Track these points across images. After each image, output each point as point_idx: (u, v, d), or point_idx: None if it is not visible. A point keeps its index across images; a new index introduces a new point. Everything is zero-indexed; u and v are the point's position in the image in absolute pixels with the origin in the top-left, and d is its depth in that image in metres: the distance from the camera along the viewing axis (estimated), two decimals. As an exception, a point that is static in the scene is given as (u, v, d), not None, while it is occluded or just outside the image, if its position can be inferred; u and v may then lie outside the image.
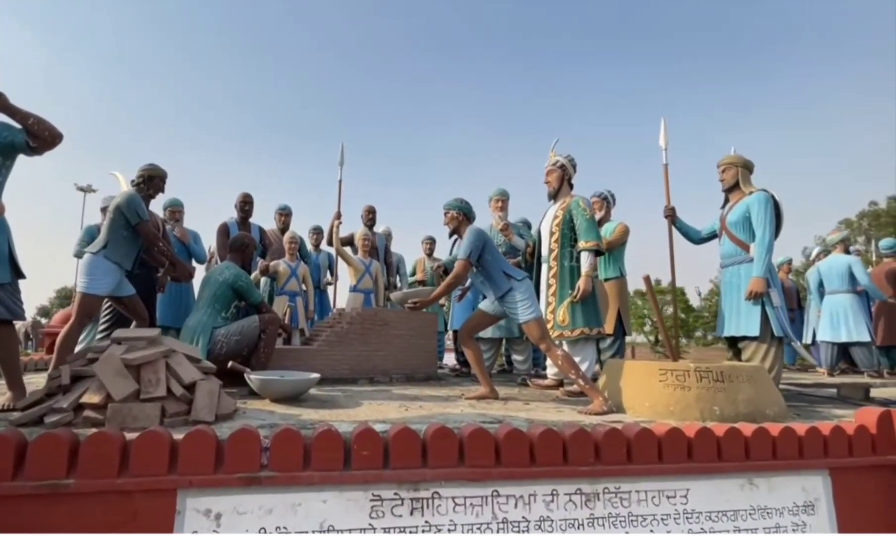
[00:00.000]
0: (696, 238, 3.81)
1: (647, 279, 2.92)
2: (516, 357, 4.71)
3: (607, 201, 4.70)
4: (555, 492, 1.89)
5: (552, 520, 1.86)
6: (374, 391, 3.54)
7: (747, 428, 2.07)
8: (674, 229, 3.81)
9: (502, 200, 4.76)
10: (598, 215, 4.71)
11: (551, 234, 3.81)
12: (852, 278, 6.47)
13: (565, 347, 3.62)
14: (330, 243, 5.86)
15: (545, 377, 4.13)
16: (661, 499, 1.95)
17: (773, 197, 3.30)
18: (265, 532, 1.70)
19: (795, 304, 8.54)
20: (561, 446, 1.91)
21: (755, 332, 3.18)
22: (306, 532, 1.73)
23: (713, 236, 3.73)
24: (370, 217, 6.00)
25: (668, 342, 2.83)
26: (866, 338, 6.32)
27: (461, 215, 3.28)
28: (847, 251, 6.79)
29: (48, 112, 2.44)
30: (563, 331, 3.57)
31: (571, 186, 3.93)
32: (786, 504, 2.06)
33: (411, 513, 1.79)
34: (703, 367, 2.51)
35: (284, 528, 1.71)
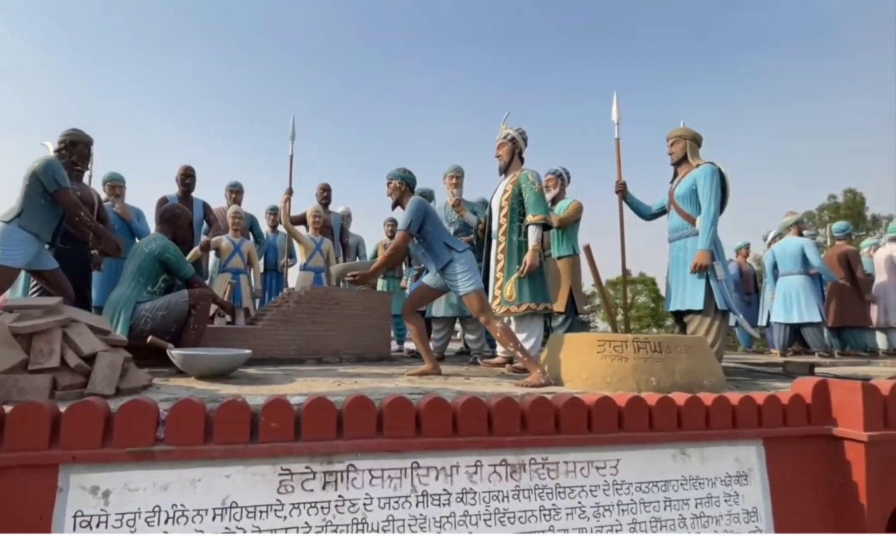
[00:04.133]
0: (646, 214, 3.78)
1: (587, 249, 2.86)
2: (469, 337, 4.63)
3: (561, 178, 4.64)
4: (479, 463, 1.80)
5: (475, 492, 1.78)
6: (317, 371, 3.41)
7: (680, 398, 2.01)
8: (625, 205, 3.77)
9: (456, 176, 4.65)
10: (552, 192, 4.65)
11: (500, 208, 3.72)
12: (805, 260, 6.59)
13: (513, 322, 3.55)
14: (296, 223, 5.67)
15: (496, 355, 4.06)
16: (591, 470, 1.88)
17: (719, 170, 3.27)
18: (160, 510, 1.56)
19: (752, 287, 8.70)
20: (485, 415, 1.82)
21: (699, 305, 3.16)
22: (206, 509, 1.60)
23: (663, 211, 3.70)
24: (325, 195, 5.82)
25: (609, 314, 2.78)
26: (817, 319, 6.45)
27: (403, 185, 3.15)
28: (800, 234, 6.91)
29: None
30: (509, 306, 3.49)
31: (522, 161, 3.84)
32: (718, 474, 2.02)
33: (324, 487, 1.67)
34: (642, 338, 2.46)
35: (181, 506, 1.57)
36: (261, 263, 6.36)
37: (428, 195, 5.45)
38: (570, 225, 4.43)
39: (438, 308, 4.58)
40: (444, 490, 1.76)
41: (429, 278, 3.17)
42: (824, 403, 2.17)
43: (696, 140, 3.43)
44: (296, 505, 1.64)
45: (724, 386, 2.57)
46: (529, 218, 3.49)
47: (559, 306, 4.31)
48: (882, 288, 7.37)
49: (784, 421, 2.11)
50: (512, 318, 3.55)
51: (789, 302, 6.62)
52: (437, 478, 1.76)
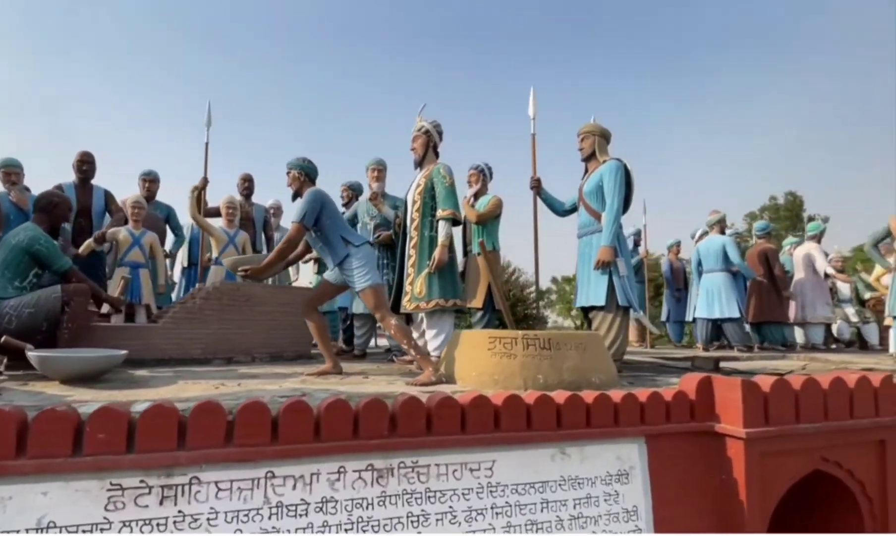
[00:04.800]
0: (560, 210, 3.76)
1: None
2: (357, 331, 4.52)
3: (483, 173, 4.58)
4: (342, 470, 1.68)
5: (337, 501, 1.66)
6: (215, 372, 3.21)
7: (560, 396, 1.96)
8: (540, 201, 3.74)
9: (378, 169, 4.51)
10: (474, 188, 4.59)
11: (413, 203, 3.61)
12: (726, 257, 6.82)
13: (424, 319, 3.46)
14: (213, 215, 5.37)
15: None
16: (464, 472, 1.80)
17: (624, 166, 3.28)
18: (-43, 535, 1.36)
19: (682, 284, 8.97)
20: (351, 418, 1.70)
21: (601, 301, 3.16)
22: (18, 531, 1.41)
23: (575, 208, 3.69)
24: (246, 186, 5.56)
25: (506, 311, 2.72)
26: (736, 315, 6.68)
27: (303, 176, 2.99)
28: (723, 232, 7.14)
29: None
30: (419, 303, 3.40)
31: (437, 155, 3.74)
32: (599, 473, 1.98)
33: (161, 503, 1.51)
34: (531, 335, 2.41)
35: (-15, 529, 1.38)
36: (185, 257, 6.03)
37: (357, 189, 5.29)
38: (489, 221, 4.38)
39: (359, 305, 4.44)
40: (302, 499, 1.63)
41: (329, 274, 3.03)
42: (708, 399, 2.18)
43: (605, 136, 3.44)
44: (126, 523, 1.48)
45: (615, 383, 2.56)
46: (439, 213, 3.40)
47: (477, 302, 4.25)
48: (800, 285, 7.74)
49: (667, 418, 2.10)
50: (423, 315, 3.46)
51: (711, 298, 6.84)
52: (294, 487, 1.63)
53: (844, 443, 2.26)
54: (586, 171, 3.55)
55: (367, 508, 1.68)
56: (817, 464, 2.22)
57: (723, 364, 3.82)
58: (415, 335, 4.38)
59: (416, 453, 1.76)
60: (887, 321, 5.62)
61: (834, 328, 8.65)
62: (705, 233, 7.56)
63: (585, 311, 3.43)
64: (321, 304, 3.13)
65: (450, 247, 3.44)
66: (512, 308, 11.89)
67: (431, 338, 3.45)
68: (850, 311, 8.58)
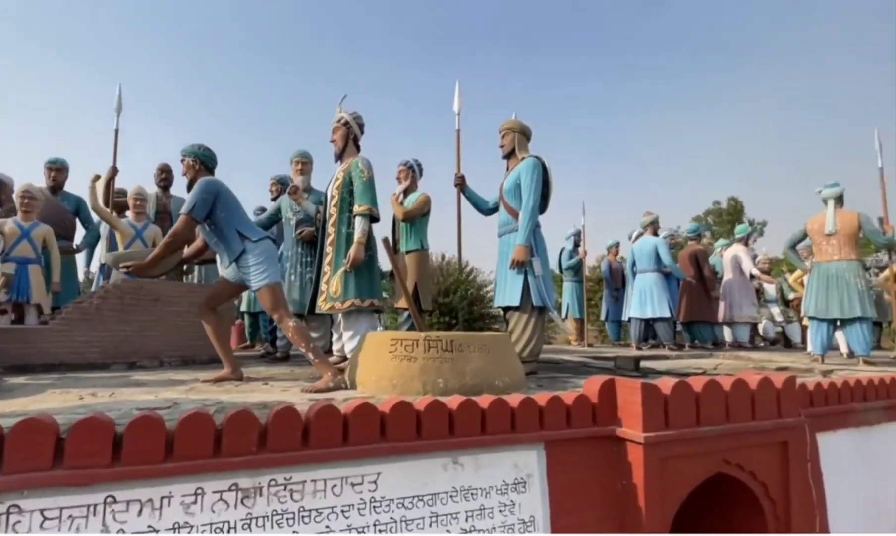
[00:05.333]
0: (484, 209, 3.67)
1: (385, 241, 2.67)
2: (312, 334, 4.29)
3: (413, 169, 4.45)
4: (200, 491, 1.50)
5: (192, 526, 1.48)
6: (105, 378, 2.94)
7: (454, 401, 1.85)
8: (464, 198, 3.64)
9: (302, 162, 4.30)
10: (403, 184, 4.46)
11: (331, 197, 3.43)
12: (659, 258, 6.96)
13: (341, 320, 3.29)
14: (124, 208, 5.00)
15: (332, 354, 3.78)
16: (344, 488, 1.65)
17: (542, 163, 3.22)
18: None
19: (621, 283, 9.14)
20: (212, 433, 1.52)
21: (516, 301, 3.08)
22: None
23: (498, 206, 3.62)
24: (163, 177, 5.21)
25: (414, 312, 2.60)
26: (667, 314, 6.84)
27: (198, 164, 2.77)
28: (655, 233, 7.29)
29: None
30: (334, 303, 3.22)
31: (358, 148, 3.57)
32: (494, 482, 1.87)
33: (-33, 538, 1.29)
34: (434, 336, 2.29)
35: None
36: (103, 252, 5.59)
37: (285, 182, 5.04)
38: (417, 218, 4.25)
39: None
40: (150, 526, 1.44)
41: (226, 271, 2.81)
42: (610, 403, 2.12)
43: (525, 133, 3.37)
44: (-79, 564, 1.25)
45: (522, 385, 2.49)
46: (356, 208, 3.24)
47: (403, 302, 4.11)
48: (728, 286, 8.01)
49: (567, 423, 2.02)
50: (341, 315, 3.29)
51: (644, 298, 6.97)
52: (140, 513, 1.44)
53: (747, 445, 2.25)
54: (508, 168, 3.48)
55: (228, 532, 1.51)
56: (719, 467, 2.20)
57: (644, 364, 3.84)
58: (314, 335, 4.18)
59: (290, 469, 1.60)
60: (805, 321, 5.87)
61: (760, 327, 9.03)
62: (641, 234, 7.70)
63: (506, 311, 3.36)
64: (217, 304, 2.90)
65: (368, 245, 3.28)
66: (469, 307, 11.98)
67: (348, 340, 3.29)
68: (776, 310, 8.97)
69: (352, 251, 3.14)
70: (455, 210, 3.75)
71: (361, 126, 3.55)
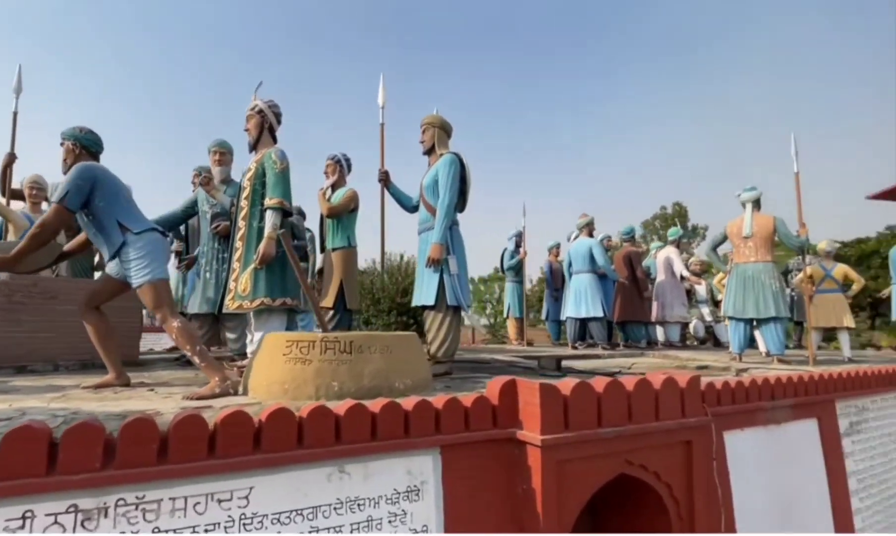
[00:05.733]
0: (408, 205, 3.57)
1: (283, 235, 2.53)
2: (229, 335, 4.07)
3: (340, 164, 4.29)
4: (29, 514, 1.32)
5: (18, 555, 1.29)
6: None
7: (342, 406, 1.73)
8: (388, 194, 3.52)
9: (220, 152, 4.05)
10: (331, 179, 4.29)
11: (242, 189, 3.24)
12: (593, 259, 7.07)
13: (252, 319, 3.11)
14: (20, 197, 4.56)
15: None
16: (209, 505, 1.50)
17: (459, 160, 3.15)
18: None
19: (561, 284, 9.26)
20: (44, 450, 1.34)
21: (431, 301, 3.00)
22: None
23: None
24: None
25: (317, 311, 2.46)
26: (600, 314, 6.95)
27: (78, 148, 2.53)
28: (590, 235, 7.40)
29: None
30: (242, 301, 3.03)
31: (275, 139, 3.39)
32: (384, 491, 1.77)
33: None
34: (332, 337, 2.17)
35: None
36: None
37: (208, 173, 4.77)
38: (344, 215, 4.10)
39: (194, 304, 3.96)
40: (-39, 558, 1.25)
41: (109, 266, 2.58)
42: (511, 405, 2.06)
43: (446, 129, 3.29)
44: None
45: (427, 387, 2.40)
46: (267, 201, 3.06)
47: (328, 301, 3.96)
48: (660, 287, 8.25)
49: (466, 426, 1.94)
50: (251, 315, 3.10)
51: (579, 298, 7.06)
52: (-52, 543, 1.24)
53: (650, 446, 2.24)
54: (429, 165, 3.38)
55: (63, 560, 1.33)
56: (623, 468, 2.17)
57: (567, 364, 3.84)
58: (231, 337, 3.95)
59: (143, 486, 1.43)
60: (725, 322, 6.09)
61: (691, 327, 9.37)
62: (578, 236, 7.81)
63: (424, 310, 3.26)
64: (99, 302, 2.65)
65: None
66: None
67: (258, 341, 3.10)
68: (706, 311, 9.32)
69: (261, 247, 2.96)
70: (378, 206, 3.62)
71: (278, 115, 3.36)
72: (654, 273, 8.48)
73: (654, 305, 8.30)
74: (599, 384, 2.12)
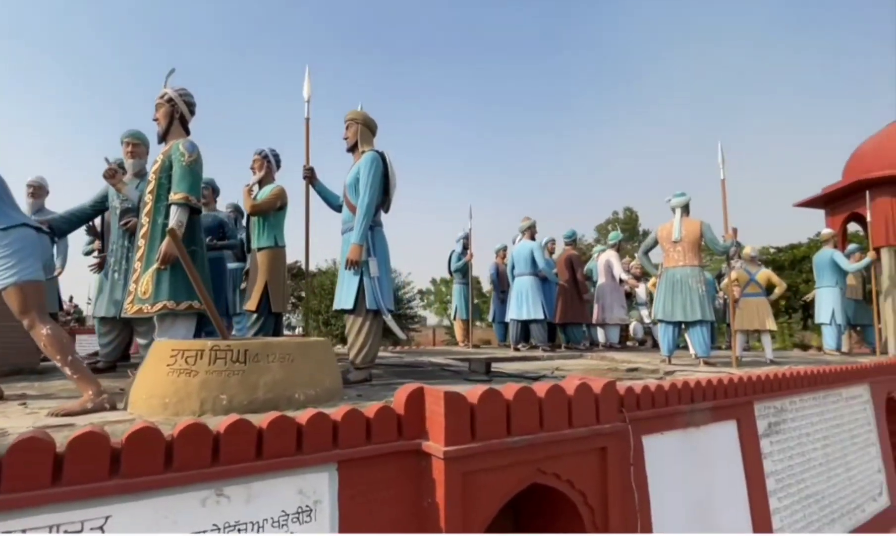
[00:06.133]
0: (335, 205, 3.42)
1: (171, 232, 2.35)
2: (139, 341, 3.78)
3: (268, 159, 4.09)
4: None
5: None
6: None
7: (223, 423, 1.58)
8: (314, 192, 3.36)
9: (133, 143, 3.76)
10: (257, 175, 4.08)
11: (147, 183, 3.01)
12: (534, 261, 7.10)
13: (156, 325, 2.88)
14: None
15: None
16: (53, 539, 1.32)
17: (382, 158, 3.04)
18: None
19: (507, 286, 9.27)
20: None
21: (349, 305, 2.87)
22: None
23: None
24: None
25: (213, 316, 2.29)
26: (541, 316, 6.98)
27: None
28: (532, 238, 7.43)
29: None
30: (143, 305, 2.81)
31: (187, 130, 3.17)
32: (271, 514, 1.63)
33: None
34: (223, 345, 2.00)
35: None
36: None
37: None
38: (270, 213, 3.90)
39: (100, 307, 3.66)
40: None
41: None
42: (418, 415, 1.95)
43: (370, 126, 3.17)
44: None
45: (333, 397, 2.27)
46: (171, 196, 2.85)
47: (251, 304, 3.75)
48: (601, 289, 8.40)
49: (368, 438, 1.83)
50: (155, 319, 2.88)
51: (520, 300, 7.07)
52: None
53: (563, 453, 2.19)
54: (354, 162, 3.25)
55: None
56: (535, 477, 2.11)
57: (498, 366, 3.79)
58: (141, 342, 3.71)
59: (-35, 520, 1.24)
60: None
61: (631, 328, 9.59)
62: (520, 238, 7.83)
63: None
64: None
65: (191, 239, 2.90)
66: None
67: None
68: (645, 312, 9.55)
69: (163, 245, 2.74)
70: (303, 205, 3.45)
71: (190, 105, 3.14)
72: (596, 276, 8.63)
73: (596, 307, 8.44)
74: (510, 390, 2.05)
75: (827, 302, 6.57)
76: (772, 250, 19.27)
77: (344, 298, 2.90)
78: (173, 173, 2.87)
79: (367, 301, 2.85)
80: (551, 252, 8.44)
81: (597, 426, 2.29)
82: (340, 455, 1.76)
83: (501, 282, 9.27)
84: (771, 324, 5.41)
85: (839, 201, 7.44)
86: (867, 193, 6.48)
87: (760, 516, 3.43)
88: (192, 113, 3.17)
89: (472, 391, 1.97)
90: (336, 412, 1.78)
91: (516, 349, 7.27)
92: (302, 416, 1.72)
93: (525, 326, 7.27)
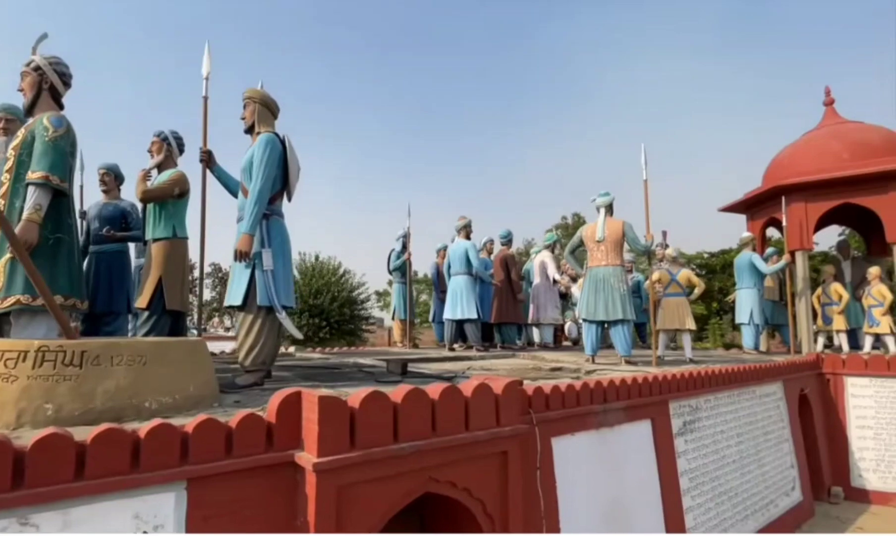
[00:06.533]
0: (234, 190, 3.15)
1: (1, 217, 2.05)
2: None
3: (168, 142, 3.74)
4: None
5: None
6: None
7: (33, 439, 1.32)
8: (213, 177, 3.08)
9: (6, 118, 3.35)
10: (156, 159, 3.74)
11: (6, 161, 2.65)
12: (469, 261, 6.99)
13: (15, 320, 2.53)
14: None
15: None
16: None
17: (280, 141, 2.80)
18: None
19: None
20: None
21: (238, 301, 2.61)
22: None
23: None
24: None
25: (56, 312, 1.99)
26: (474, 316, 6.88)
27: None
28: (468, 237, 7.32)
29: None
30: (-5, 299, 2.45)
31: (60, 105, 2.82)
32: (95, 543, 1.38)
33: None
34: (53, 345, 1.74)
35: None
36: None
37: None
38: (169, 201, 3.57)
39: None
40: None
41: None
42: (294, 422, 1.76)
43: (269, 105, 2.92)
44: None
45: (200, 404, 2.03)
46: (29, 175, 2.51)
47: (141, 301, 3.41)
48: (535, 290, 8.41)
49: (227, 451, 1.61)
50: (11, 316, 2.52)
51: (455, 300, 6.95)
52: None
53: (459, 459, 2.05)
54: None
55: None
56: (427, 487, 1.96)
57: (417, 367, 3.63)
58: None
59: None
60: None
61: (566, 328, 9.68)
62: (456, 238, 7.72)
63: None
64: None
65: (55, 225, 2.56)
66: (340, 309, 11.07)
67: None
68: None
69: (18, 229, 2.40)
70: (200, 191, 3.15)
71: (63, 75, 2.78)
72: (533, 277, 8.64)
73: (531, 307, 8.45)
74: (399, 393, 1.89)
75: (746, 303, 6.81)
76: (706, 255, 20.07)
77: (233, 293, 2.64)
78: (34, 150, 2.53)
79: (259, 297, 2.59)
80: (490, 253, 8.38)
81: (496, 429, 2.17)
82: (191, 472, 1.54)
83: (441, 282, 9.14)
84: (690, 324, 5.52)
85: (758, 206, 7.75)
86: (783, 198, 6.77)
87: (673, 515, 3.42)
88: (67, 85, 2.82)
89: (356, 395, 1.79)
90: (190, 423, 1.55)
91: (451, 349, 7.15)
92: (143, 428, 1.48)
93: (460, 325, 7.15)
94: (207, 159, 3.05)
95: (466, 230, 7.24)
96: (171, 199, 3.59)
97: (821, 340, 7.39)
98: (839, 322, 6.95)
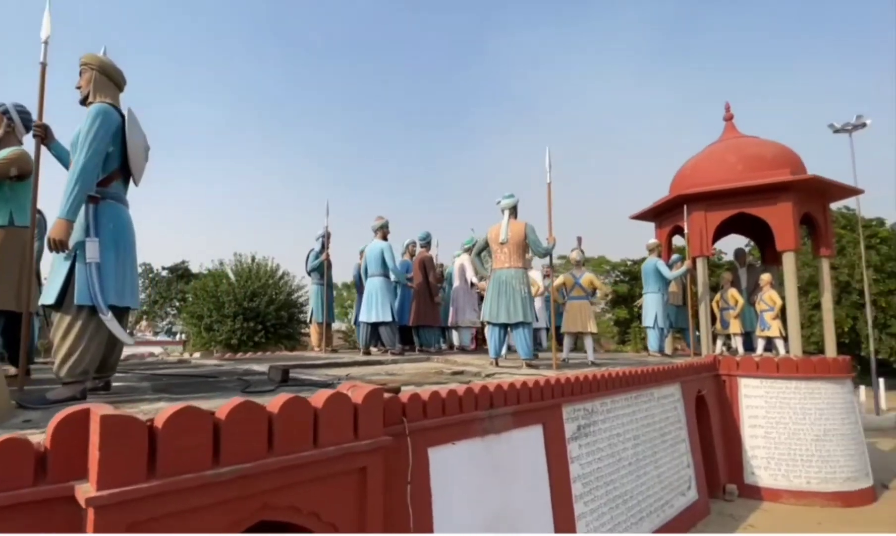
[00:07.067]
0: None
1: None
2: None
3: (8, 116, 3.26)
4: None
5: None
6: None
7: None
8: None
9: None
10: (-6, 133, 3.25)
11: None
12: (385, 262, 6.76)
13: None
14: None
15: None
16: None
17: (114, 112, 2.42)
18: None
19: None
20: None
21: (51, 299, 2.24)
22: None
23: None
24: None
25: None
26: (389, 318, 6.65)
27: None
28: (385, 238, 7.07)
29: None
30: None
31: None
32: None
33: None
34: None
35: None
36: None
37: None
38: (5, 182, 3.09)
39: None
40: None
41: None
42: (77, 446, 1.46)
43: (108, 73, 2.53)
44: None
45: None
46: None
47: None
48: (455, 292, 8.29)
49: (-23, 486, 1.30)
50: None
51: (370, 302, 6.69)
52: None
53: (304, 480, 1.82)
54: None
55: None
56: (261, 515, 1.71)
57: (295, 373, 3.36)
58: None
59: None
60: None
61: (486, 331, 9.63)
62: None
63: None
64: None
65: None
66: (277, 312, 10.39)
67: None
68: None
69: None
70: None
71: None
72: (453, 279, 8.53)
73: (451, 310, 8.34)
74: (226, 408, 1.63)
75: (651, 307, 7.02)
76: (629, 262, 20.87)
77: (48, 289, 2.24)
78: None
79: (77, 294, 2.20)
80: (412, 255, 8.19)
81: (352, 444, 1.95)
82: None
83: (362, 283, 8.83)
84: (592, 327, 5.57)
85: (665, 214, 8.05)
86: (685, 207, 7.04)
87: (564, 523, 3.34)
88: None
89: (163, 413, 1.51)
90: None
91: (367, 353, 6.88)
92: None
93: (376, 328, 6.89)
94: (43, 134, 2.64)
95: (383, 231, 6.99)
96: (7, 180, 3.12)
97: (720, 342, 7.75)
98: (735, 326, 7.32)
